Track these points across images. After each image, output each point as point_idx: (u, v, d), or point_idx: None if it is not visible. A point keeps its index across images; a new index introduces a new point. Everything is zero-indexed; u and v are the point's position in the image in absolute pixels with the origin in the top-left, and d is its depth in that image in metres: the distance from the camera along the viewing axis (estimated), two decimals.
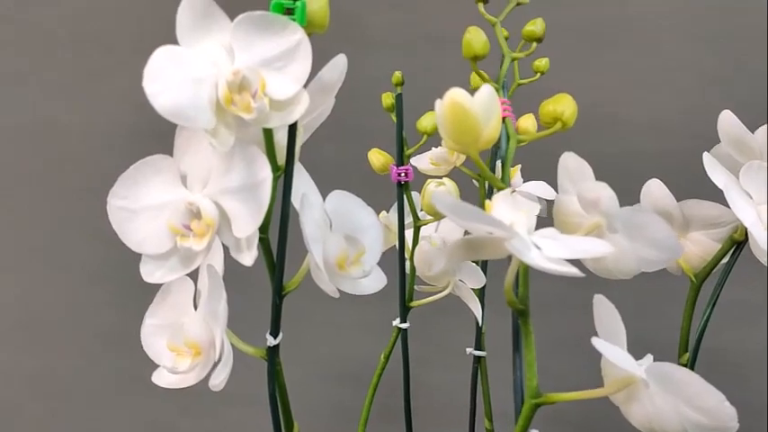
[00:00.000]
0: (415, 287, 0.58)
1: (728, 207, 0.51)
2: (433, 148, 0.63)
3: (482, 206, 0.62)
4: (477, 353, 0.62)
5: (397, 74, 0.53)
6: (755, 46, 0.80)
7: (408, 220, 0.57)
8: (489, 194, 0.62)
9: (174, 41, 0.35)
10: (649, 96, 0.85)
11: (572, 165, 0.41)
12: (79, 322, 1.03)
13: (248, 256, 0.37)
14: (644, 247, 0.39)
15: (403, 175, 0.54)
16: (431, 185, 0.53)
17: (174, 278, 0.38)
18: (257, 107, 0.34)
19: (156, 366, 0.43)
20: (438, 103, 0.37)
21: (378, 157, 0.56)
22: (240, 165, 0.36)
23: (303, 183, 0.42)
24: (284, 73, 0.35)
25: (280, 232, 0.40)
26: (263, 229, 0.39)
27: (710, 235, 0.53)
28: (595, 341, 0.35)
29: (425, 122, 0.54)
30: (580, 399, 0.36)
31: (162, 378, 0.42)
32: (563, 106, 0.42)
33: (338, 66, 0.39)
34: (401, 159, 0.55)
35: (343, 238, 0.42)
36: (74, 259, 1.02)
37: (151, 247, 0.38)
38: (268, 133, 0.38)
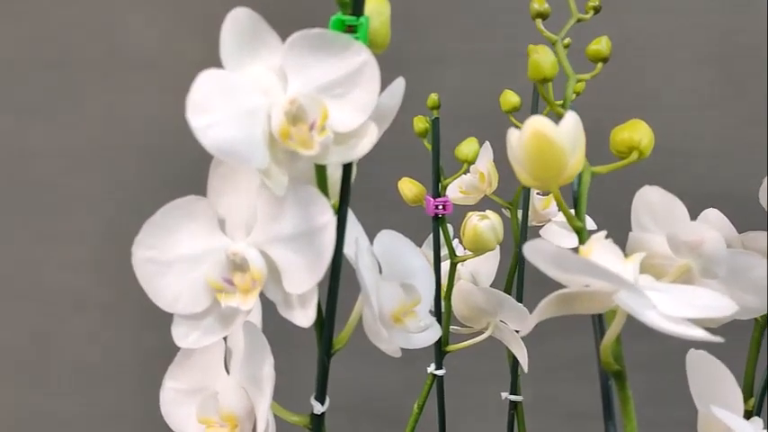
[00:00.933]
0: (451, 329, 0.53)
1: None
2: (463, 175, 0.58)
3: (516, 238, 0.58)
4: (514, 398, 0.57)
5: (433, 96, 0.49)
6: None
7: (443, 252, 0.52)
8: (523, 226, 0.57)
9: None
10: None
11: (656, 200, 0.37)
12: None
13: (304, 316, 0.31)
14: (745, 294, 0.35)
15: (441, 207, 0.49)
16: (473, 219, 0.48)
17: (211, 341, 0.33)
18: (321, 142, 0.29)
19: None
20: (514, 133, 0.32)
21: (410, 188, 0.51)
22: (294, 208, 0.31)
23: (351, 225, 0.37)
24: (347, 101, 0.30)
25: (330, 283, 0.34)
26: None
27: None
28: (717, 410, 0.30)
29: (466, 150, 0.49)
30: None
31: None
32: (640, 134, 0.38)
33: (397, 90, 0.34)
34: (437, 190, 0.50)
35: (400, 287, 0.37)
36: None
37: (186, 306, 0.32)
38: (321, 170, 0.33)
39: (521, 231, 0.57)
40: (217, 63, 0.30)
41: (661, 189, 0.37)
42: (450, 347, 0.52)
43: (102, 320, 0.94)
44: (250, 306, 0.31)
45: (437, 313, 0.51)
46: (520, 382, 0.58)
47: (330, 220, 0.31)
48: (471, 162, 0.50)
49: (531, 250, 0.29)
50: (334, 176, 0.34)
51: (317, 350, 0.36)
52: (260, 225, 0.32)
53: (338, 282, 0.34)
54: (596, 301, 0.30)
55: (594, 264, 0.28)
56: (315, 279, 0.31)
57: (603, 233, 0.33)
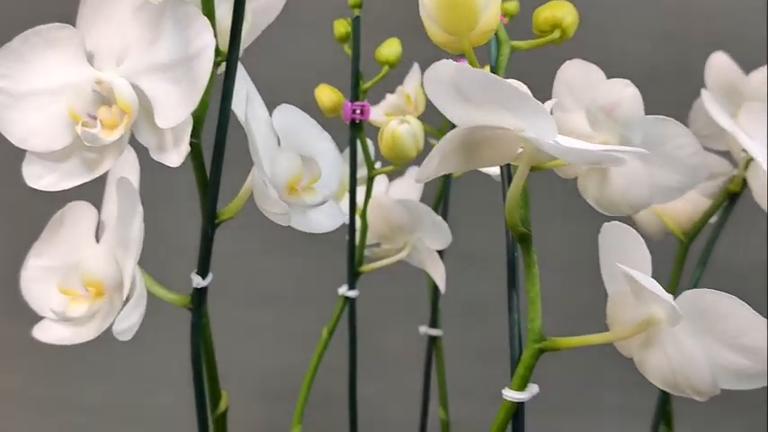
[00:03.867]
0: (366, 252, 0.50)
1: (722, 157, 0.47)
2: (388, 95, 0.56)
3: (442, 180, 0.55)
4: (433, 332, 0.54)
5: None
6: None
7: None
8: None
9: None
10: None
11: (575, 74, 0.34)
12: None
13: (176, 155, 0.28)
14: (661, 169, 0.33)
15: (358, 112, 0.46)
16: (392, 123, 0.45)
17: (70, 185, 0.29)
18: None
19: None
20: None
21: (328, 95, 0.48)
22: (171, 30, 0.28)
23: (242, 81, 0.34)
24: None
25: (216, 139, 0.31)
26: (195, 132, 0.30)
27: (702, 190, 0.47)
28: (624, 267, 0.27)
29: (387, 52, 0.46)
30: (591, 344, 0.29)
31: (47, 332, 0.32)
32: (563, 12, 0.35)
33: None
34: (356, 94, 0.46)
35: (298, 157, 0.33)
36: None
37: (43, 143, 0.28)
38: (208, 4, 0.29)
39: None
40: None
41: (580, 60, 0.34)
42: (364, 268, 0.49)
43: None
44: (114, 138, 0.27)
45: (351, 230, 0.47)
46: (440, 317, 0.55)
47: (209, 42, 0.27)
48: (392, 65, 0.47)
49: (429, 78, 0.26)
50: (223, 24, 0.31)
51: (201, 219, 0.32)
52: (133, 53, 0.28)
53: (225, 135, 0.31)
54: (502, 145, 0.28)
55: (505, 83, 0.25)
56: (188, 109, 0.27)
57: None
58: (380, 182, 0.54)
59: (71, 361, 0.74)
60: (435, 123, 0.57)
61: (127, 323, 0.29)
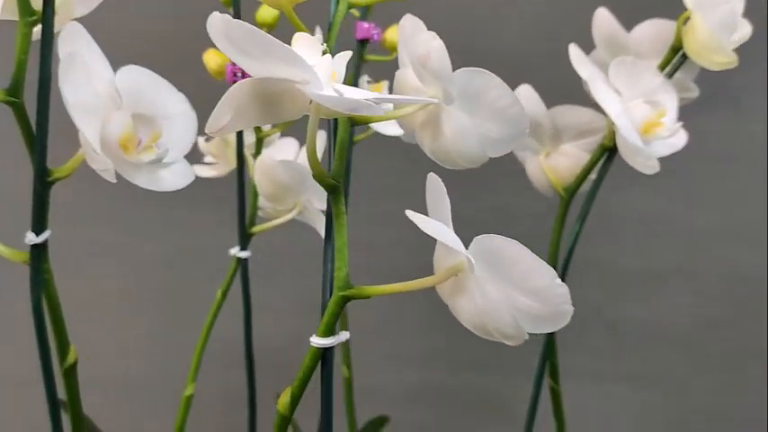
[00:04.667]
0: (258, 212, 0.50)
1: (601, 112, 0.47)
2: None
3: (341, 120, 0.56)
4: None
5: None
6: None
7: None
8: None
9: None
10: None
11: (406, 28, 0.35)
12: None
13: None
14: (485, 121, 0.33)
15: (239, 75, 0.46)
16: None
17: None
18: None
19: None
20: None
21: (214, 59, 0.49)
22: None
23: (82, 45, 0.34)
24: None
25: (39, 98, 0.32)
26: (14, 90, 0.31)
27: (582, 145, 0.47)
28: (411, 214, 0.28)
29: (265, 14, 0.46)
30: (401, 291, 0.30)
31: None
32: None
33: None
34: None
35: (131, 117, 0.34)
36: None
37: None
38: None
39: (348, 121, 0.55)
40: None
41: (410, 15, 0.34)
42: (256, 228, 0.49)
43: None
44: None
45: (240, 192, 0.48)
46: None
47: None
48: (271, 27, 0.47)
49: (211, 32, 0.27)
50: None
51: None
52: None
53: (48, 92, 0.32)
54: (294, 97, 0.28)
55: (267, 38, 0.25)
56: None
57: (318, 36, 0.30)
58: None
59: None
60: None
61: None
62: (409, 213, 0.28)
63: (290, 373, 0.32)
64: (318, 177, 0.30)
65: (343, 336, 0.30)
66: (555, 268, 0.47)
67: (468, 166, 0.35)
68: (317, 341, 0.30)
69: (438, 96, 0.33)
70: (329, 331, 0.30)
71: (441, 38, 0.30)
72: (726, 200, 0.81)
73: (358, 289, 0.30)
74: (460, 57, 0.32)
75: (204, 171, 0.53)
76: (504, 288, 0.28)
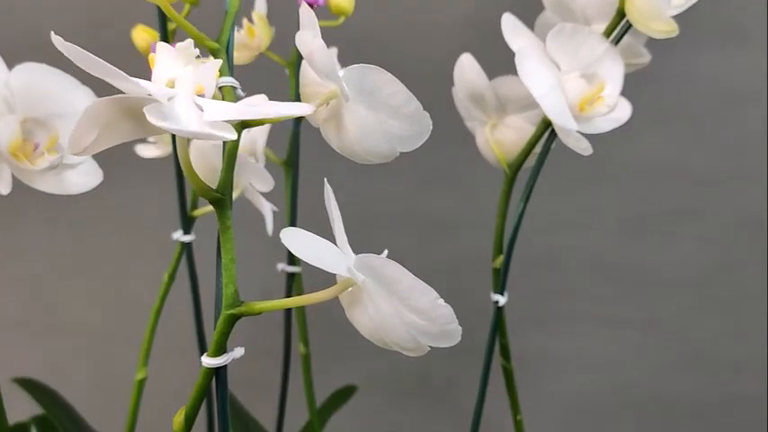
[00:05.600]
0: None
1: None
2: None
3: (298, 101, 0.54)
4: (291, 269, 0.54)
5: None
6: None
7: None
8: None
9: None
10: None
11: (302, 20, 0.32)
12: None
13: None
14: (387, 118, 0.31)
15: None
16: None
17: None
18: None
19: None
20: None
21: (142, 36, 0.46)
22: None
23: None
24: None
25: None
26: None
27: (528, 118, 0.45)
28: (287, 238, 0.27)
29: None
30: (294, 306, 0.29)
31: None
32: None
33: None
34: (165, 35, 0.45)
35: (19, 122, 0.33)
36: None
37: None
38: None
39: (296, 91, 0.53)
40: None
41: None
42: (197, 212, 0.48)
43: None
44: None
45: (178, 176, 0.47)
46: None
47: None
48: (194, 3, 0.44)
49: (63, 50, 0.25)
50: None
51: None
52: None
53: None
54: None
55: (106, 67, 0.24)
56: None
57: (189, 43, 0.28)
58: None
59: None
60: (286, 55, 0.55)
61: None
62: (285, 237, 0.27)
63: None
64: (201, 192, 0.29)
65: (237, 352, 0.29)
66: (501, 247, 0.46)
67: (378, 161, 0.33)
68: (207, 361, 0.29)
69: (338, 93, 0.31)
70: (220, 350, 0.29)
71: None
72: (731, 142, 0.78)
73: (247, 306, 0.29)
74: None
75: (146, 151, 0.52)
76: (394, 303, 0.27)
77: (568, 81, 0.38)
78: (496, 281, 0.45)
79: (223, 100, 0.30)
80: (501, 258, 0.45)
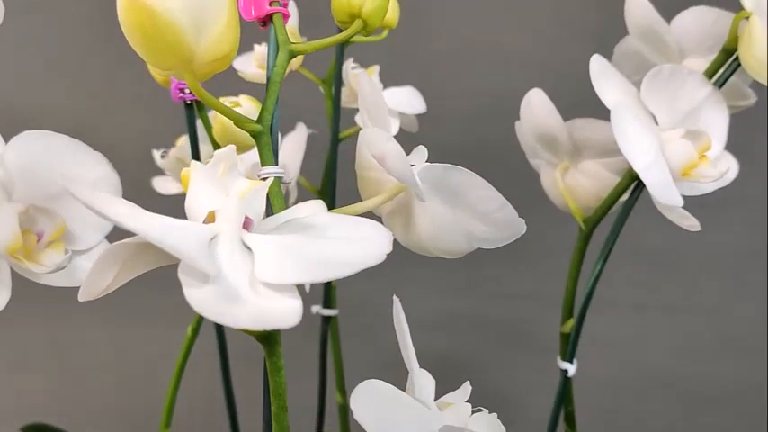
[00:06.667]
0: None
1: None
2: (256, 46, 0.47)
3: (336, 125, 0.48)
4: (326, 312, 0.49)
5: None
6: None
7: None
8: (337, 101, 0.47)
9: None
10: None
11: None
12: None
13: None
14: (471, 219, 0.25)
15: (188, 92, 0.38)
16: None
17: None
18: None
19: None
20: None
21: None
22: None
23: None
24: None
25: None
26: None
27: (608, 165, 0.39)
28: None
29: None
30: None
31: None
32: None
33: None
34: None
35: (16, 214, 0.27)
36: None
37: None
38: None
39: (333, 113, 0.47)
40: None
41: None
42: None
43: None
44: None
45: None
46: (335, 295, 0.49)
47: None
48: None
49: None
50: None
51: None
52: None
53: None
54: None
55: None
56: None
57: (231, 151, 0.22)
58: None
59: None
60: (320, 73, 0.48)
61: None
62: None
63: None
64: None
65: None
66: (571, 310, 0.40)
67: (449, 257, 0.28)
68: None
69: (405, 190, 0.25)
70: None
71: None
72: None
73: None
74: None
75: (164, 185, 0.47)
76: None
77: (670, 143, 0.32)
78: (564, 347, 0.40)
79: (265, 191, 0.23)
80: (571, 322, 0.39)
